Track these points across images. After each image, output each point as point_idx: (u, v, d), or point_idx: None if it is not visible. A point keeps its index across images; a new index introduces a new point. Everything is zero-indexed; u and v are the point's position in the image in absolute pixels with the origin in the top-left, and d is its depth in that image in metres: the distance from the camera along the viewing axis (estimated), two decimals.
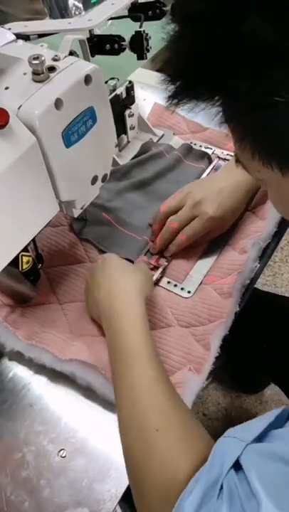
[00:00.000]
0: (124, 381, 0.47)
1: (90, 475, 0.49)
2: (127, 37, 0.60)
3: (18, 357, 0.57)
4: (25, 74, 0.47)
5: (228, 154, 0.78)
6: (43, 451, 0.51)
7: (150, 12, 0.59)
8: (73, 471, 0.50)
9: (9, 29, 0.51)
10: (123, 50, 0.58)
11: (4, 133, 0.42)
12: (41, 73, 0.45)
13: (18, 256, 0.54)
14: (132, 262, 0.64)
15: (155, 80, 1.04)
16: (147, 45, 0.58)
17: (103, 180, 0.58)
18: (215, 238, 0.67)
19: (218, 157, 0.78)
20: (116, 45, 0.57)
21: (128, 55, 0.62)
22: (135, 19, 0.59)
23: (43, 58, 0.44)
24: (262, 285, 1.51)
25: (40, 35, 0.53)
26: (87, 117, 0.49)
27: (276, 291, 1.50)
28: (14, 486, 0.49)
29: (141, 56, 0.59)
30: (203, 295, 0.61)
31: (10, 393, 0.55)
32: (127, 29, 0.61)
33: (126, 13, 0.60)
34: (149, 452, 0.42)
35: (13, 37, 0.47)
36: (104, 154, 0.56)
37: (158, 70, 1.39)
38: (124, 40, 0.58)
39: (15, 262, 0.55)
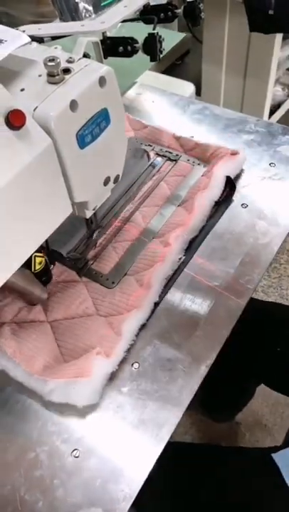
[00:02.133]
0: None
1: (103, 475, 0.49)
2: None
3: None
4: (40, 76, 0.47)
5: (166, 151, 0.80)
6: (56, 451, 0.51)
7: (162, 14, 0.60)
8: (86, 471, 0.50)
9: (23, 31, 0.51)
10: (136, 52, 0.58)
11: (20, 134, 0.42)
12: (56, 75, 0.45)
13: (30, 257, 0.54)
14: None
15: (164, 82, 1.05)
16: (160, 47, 0.58)
17: (115, 181, 0.58)
18: (143, 232, 0.69)
19: (157, 154, 0.80)
20: (129, 47, 0.57)
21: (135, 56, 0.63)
22: (147, 22, 0.59)
23: (58, 60, 0.45)
24: (268, 287, 1.51)
25: (54, 38, 0.54)
26: (101, 119, 0.50)
27: (281, 293, 1.50)
28: (28, 485, 0.49)
29: (154, 58, 0.59)
30: (125, 285, 0.63)
31: (22, 394, 0.56)
32: (136, 31, 0.62)
33: (138, 15, 0.60)
34: None
35: (28, 39, 0.47)
36: (117, 155, 0.56)
37: (163, 72, 1.39)
38: (137, 42, 0.58)
39: (27, 263, 0.55)
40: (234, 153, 0.73)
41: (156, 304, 0.60)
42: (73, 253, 0.67)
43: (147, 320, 0.59)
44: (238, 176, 0.75)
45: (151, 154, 0.80)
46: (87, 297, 0.63)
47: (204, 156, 0.77)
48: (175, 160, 0.78)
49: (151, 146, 0.81)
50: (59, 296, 0.63)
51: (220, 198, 0.70)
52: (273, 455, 0.68)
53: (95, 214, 0.66)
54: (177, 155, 0.79)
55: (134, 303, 0.60)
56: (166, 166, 0.78)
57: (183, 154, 0.79)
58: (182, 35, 1.03)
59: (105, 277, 0.65)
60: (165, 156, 0.79)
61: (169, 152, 0.80)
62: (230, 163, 0.72)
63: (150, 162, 0.78)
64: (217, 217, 0.69)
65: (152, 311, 0.60)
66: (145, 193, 0.75)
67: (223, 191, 0.70)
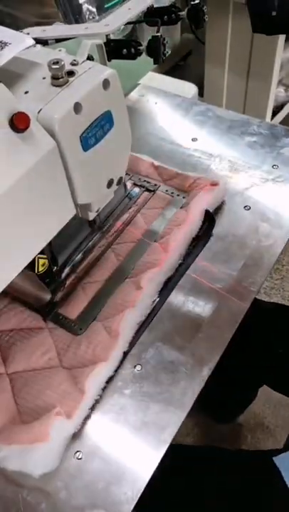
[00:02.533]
0: None
1: (105, 477, 0.49)
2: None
3: None
4: (44, 78, 0.47)
5: (144, 181, 0.76)
6: None
7: (166, 17, 0.60)
8: (89, 473, 0.50)
9: (28, 34, 0.51)
10: (140, 54, 0.59)
11: (24, 136, 0.42)
12: (60, 78, 0.46)
13: (34, 258, 0.54)
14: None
15: (166, 84, 1.05)
16: (164, 49, 0.59)
17: (118, 183, 0.58)
18: (116, 271, 0.65)
19: (134, 183, 0.75)
20: (132, 50, 0.58)
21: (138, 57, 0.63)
22: (151, 24, 0.59)
23: (62, 63, 0.45)
24: (270, 288, 1.51)
25: (58, 40, 0.54)
26: (105, 121, 0.50)
27: (284, 294, 1.50)
28: (31, 487, 0.49)
29: (157, 60, 0.59)
30: (92, 333, 0.59)
31: None
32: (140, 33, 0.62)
33: (142, 17, 0.60)
34: None
35: (33, 42, 0.47)
36: (120, 158, 0.56)
37: (166, 73, 1.39)
38: (140, 44, 0.58)
39: (31, 265, 0.55)
40: (214, 184, 0.69)
41: (126, 353, 0.56)
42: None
43: (114, 371, 0.55)
44: (219, 208, 0.71)
45: (128, 184, 0.75)
46: (51, 346, 0.58)
47: (183, 186, 0.73)
48: (153, 191, 0.74)
49: (128, 174, 0.76)
50: (20, 345, 0.58)
51: (198, 232, 0.66)
52: (274, 458, 0.67)
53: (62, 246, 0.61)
54: (156, 185, 0.74)
55: (100, 354, 0.56)
56: (143, 197, 0.74)
57: (162, 184, 0.75)
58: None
59: (72, 323, 0.60)
60: (143, 187, 0.75)
61: (147, 182, 0.75)
62: (210, 196, 0.68)
63: (127, 193, 0.74)
64: (194, 255, 0.65)
65: (121, 361, 0.56)
66: (120, 227, 0.70)
67: (202, 225, 0.67)
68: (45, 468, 0.48)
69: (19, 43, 0.48)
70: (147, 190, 0.74)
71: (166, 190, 0.74)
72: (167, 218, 0.70)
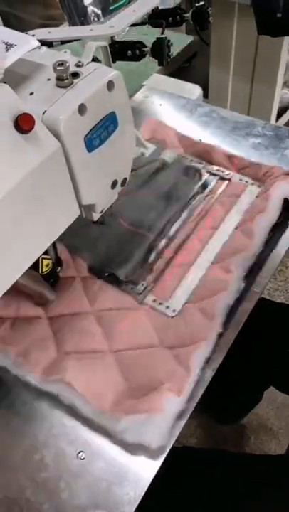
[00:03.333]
0: None
1: (108, 477, 0.49)
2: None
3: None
4: (49, 80, 0.47)
5: (217, 169, 0.77)
6: (61, 454, 0.51)
7: (170, 19, 0.60)
8: (92, 473, 0.50)
9: (33, 35, 0.52)
10: (144, 56, 0.59)
11: (29, 137, 0.42)
12: (65, 79, 0.46)
13: (38, 259, 0.54)
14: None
15: (171, 85, 1.05)
16: (168, 51, 0.59)
17: (122, 184, 0.58)
18: (201, 256, 0.66)
19: (209, 172, 0.77)
20: (137, 51, 0.58)
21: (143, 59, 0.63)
22: (156, 26, 0.60)
23: (67, 64, 0.45)
24: (274, 290, 1.51)
25: (63, 42, 0.54)
26: (109, 122, 0.50)
27: (287, 296, 1.50)
28: (34, 487, 0.49)
29: (161, 62, 0.59)
30: (187, 315, 0.60)
31: (28, 395, 0.56)
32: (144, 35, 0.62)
33: (147, 19, 0.60)
34: None
35: (38, 43, 0.47)
36: (125, 159, 0.56)
37: (170, 74, 1.40)
38: (145, 46, 0.58)
39: (35, 265, 0.56)
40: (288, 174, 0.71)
41: (220, 335, 0.58)
42: (131, 277, 0.64)
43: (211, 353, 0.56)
44: None
45: (203, 173, 0.77)
46: (149, 327, 0.60)
47: (257, 175, 0.74)
48: (228, 179, 0.76)
49: (201, 163, 0.78)
50: (120, 324, 0.60)
51: (277, 220, 0.68)
52: None
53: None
54: (229, 174, 0.76)
55: (198, 334, 0.57)
56: (218, 185, 0.76)
57: (235, 173, 0.76)
58: (189, 38, 1.03)
59: (165, 305, 0.62)
60: (217, 175, 0.76)
61: (221, 171, 0.76)
62: (287, 184, 0.70)
63: (202, 181, 0.76)
64: (274, 243, 0.66)
65: (216, 343, 0.57)
66: (199, 214, 0.72)
67: (280, 214, 0.68)
68: (161, 441, 0.49)
69: (24, 44, 0.48)
70: (222, 178, 0.76)
71: (240, 179, 0.76)
72: (245, 206, 0.72)
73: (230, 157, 0.77)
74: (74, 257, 0.67)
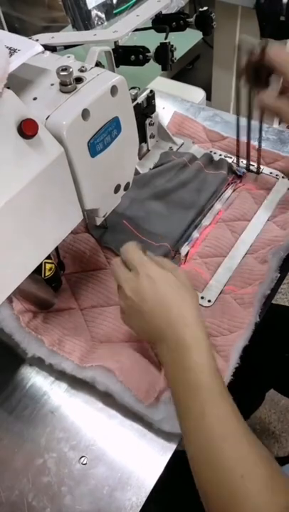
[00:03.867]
0: (193, 415, 0.44)
1: (110, 483, 0.49)
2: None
3: (39, 363, 0.58)
4: (52, 85, 0.47)
5: (247, 163, 0.78)
6: (64, 458, 0.51)
7: (174, 23, 0.60)
8: (94, 478, 0.50)
9: (37, 40, 0.52)
10: (148, 61, 0.59)
11: (33, 143, 0.43)
12: (69, 84, 0.46)
13: (41, 263, 0.54)
14: None
15: (174, 88, 1.05)
16: (172, 56, 0.59)
17: (125, 188, 0.58)
18: (235, 246, 0.67)
19: (239, 166, 0.78)
20: (141, 56, 0.58)
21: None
22: (160, 30, 0.60)
23: (71, 70, 0.45)
24: (276, 293, 1.50)
25: (66, 47, 0.54)
26: (112, 127, 0.50)
27: None
28: (36, 492, 0.49)
29: (165, 67, 0.60)
30: (223, 305, 0.61)
31: (31, 400, 0.56)
32: (145, 39, 0.62)
33: (150, 24, 0.60)
34: (236, 500, 0.40)
35: (42, 48, 0.47)
36: (128, 163, 0.56)
37: (174, 77, 1.39)
38: (148, 51, 0.58)
39: (38, 269, 0.56)
40: None
41: (257, 324, 0.58)
42: None
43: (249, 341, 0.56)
44: None
45: (234, 166, 0.78)
46: None
47: (287, 168, 0.75)
48: (258, 173, 0.77)
49: (230, 157, 0.80)
50: None
51: None
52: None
53: None
54: (259, 167, 0.77)
55: (235, 324, 0.58)
56: (249, 178, 0.77)
57: (265, 167, 0.78)
58: (199, 35, 1.01)
59: (200, 295, 0.62)
60: (247, 169, 0.77)
61: (251, 164, 0.78)
62: None
63: (232, 175, 0.77)
64: None
65: (254, 332, 0.57)
66: (231, 206, 0.73)
67: None
68: None
69: (28, 49, 0.48)
70: (252, 172, 0.77)
71: (271, 173, 0.77)
72: (276, 199, 0.73)
73: (259, 151, 0.77)
74: (104, 249, 0.68)
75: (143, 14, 0.57)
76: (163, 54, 0.58)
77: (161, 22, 0.60)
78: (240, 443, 0.42)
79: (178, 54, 0.61)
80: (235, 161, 0.79)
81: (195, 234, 0.70)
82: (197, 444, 0.44)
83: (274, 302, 1.38)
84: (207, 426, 0.43)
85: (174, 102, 0.92)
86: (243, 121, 0.85)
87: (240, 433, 0.43)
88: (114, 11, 0.72)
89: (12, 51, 0.47)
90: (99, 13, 0.73)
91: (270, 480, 0.41)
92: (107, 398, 0.54)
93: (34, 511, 0.48)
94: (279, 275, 0.62)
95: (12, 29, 1.23)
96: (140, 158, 0.80)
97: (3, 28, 1.12)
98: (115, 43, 0.57)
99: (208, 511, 0.43)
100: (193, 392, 0.45)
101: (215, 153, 0.81)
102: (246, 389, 0.98)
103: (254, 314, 0.58)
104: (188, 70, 1.86)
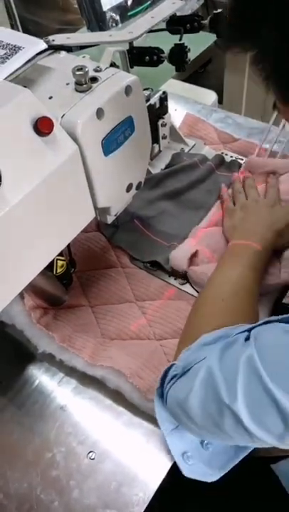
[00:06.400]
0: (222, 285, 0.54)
1: (118, 478, 0.50)
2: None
3: (49, 359, 0.59)
4: (68, 84, 0.48)
5: None
6: (72, 453, 0.52)
7: (188, 25, 0.60)
8: (102, 473, 0.50)
9: (53, 41, 0.53)
10: (162, 61, 0.59)
11: (48, 140, 0.43)
12: (84, 84, 0.46)
13: (53, 260, 0.55)
14: (161, 265, 0.65)
15: (186, 90, 1.06)
16: (186, 57, 0.59)
17: (137, 188, 0.59)
18: None
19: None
20: (155, 57, 0.58)
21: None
22: (174, 32, 0.60)
23: (86, 69, 0.46)
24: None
25: (82, 47, 0.55)
26: (126, 127, 0.50)
27: None
28: (44, 485, 0.50)
29: (179, 68, 0.60)
30: None
31: (40, 395, 0.57)
32: (157, 41, 0.63)
33: (164, 26, 0.61)
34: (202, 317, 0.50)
35: (45, 46, 0.48)
36: (140, 163, 0.57)
37: (185, 80, 1.40)
38: (163, 52, 0.59)
39: (49, 266, 0.56)
40: None
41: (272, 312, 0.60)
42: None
43: None
44: None
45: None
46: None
47: None
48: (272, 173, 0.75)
49: (242, 159, 0.80)
50: (162, 313, 0.61)
51: None
52: (272, 466, 0.67)
53: None
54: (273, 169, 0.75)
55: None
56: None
57: None
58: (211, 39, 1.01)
59: None
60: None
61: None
62: None
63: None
64: None
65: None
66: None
67: None
68: None
69: (32, 46, 0.49)
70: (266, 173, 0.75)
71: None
72: None
73: (271, 154, 0.77)
74: (114, 248, 0.69)
75: (157, 16, 0.58)
76: (178, 55, 0.59)
77: (176, 24, 0.60)
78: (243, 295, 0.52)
79: (190, 56, 0.62)
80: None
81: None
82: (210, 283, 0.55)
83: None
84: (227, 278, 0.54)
85: (186, 103, 0.92)
86: (255, 123, 0.86)
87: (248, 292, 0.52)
88: (129, 13, 0.73)
89: (16, 48, 0.48)
90: (113, 15, 0.74)
91: (239, 313, 0.49)
92: (116, 395, 0.55)
93: (42, 504, 0.49)
94: None
95: (26, 32, 1.25)
96: (152, 159, 0.80)
97: (18, 31, 1.13)
98: (130, 43, 0.58)
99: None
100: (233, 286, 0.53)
101: (226, 154, 0.82)
102: None
103: (271, 301, 0.59)
104: (200, 73, 1.86)
